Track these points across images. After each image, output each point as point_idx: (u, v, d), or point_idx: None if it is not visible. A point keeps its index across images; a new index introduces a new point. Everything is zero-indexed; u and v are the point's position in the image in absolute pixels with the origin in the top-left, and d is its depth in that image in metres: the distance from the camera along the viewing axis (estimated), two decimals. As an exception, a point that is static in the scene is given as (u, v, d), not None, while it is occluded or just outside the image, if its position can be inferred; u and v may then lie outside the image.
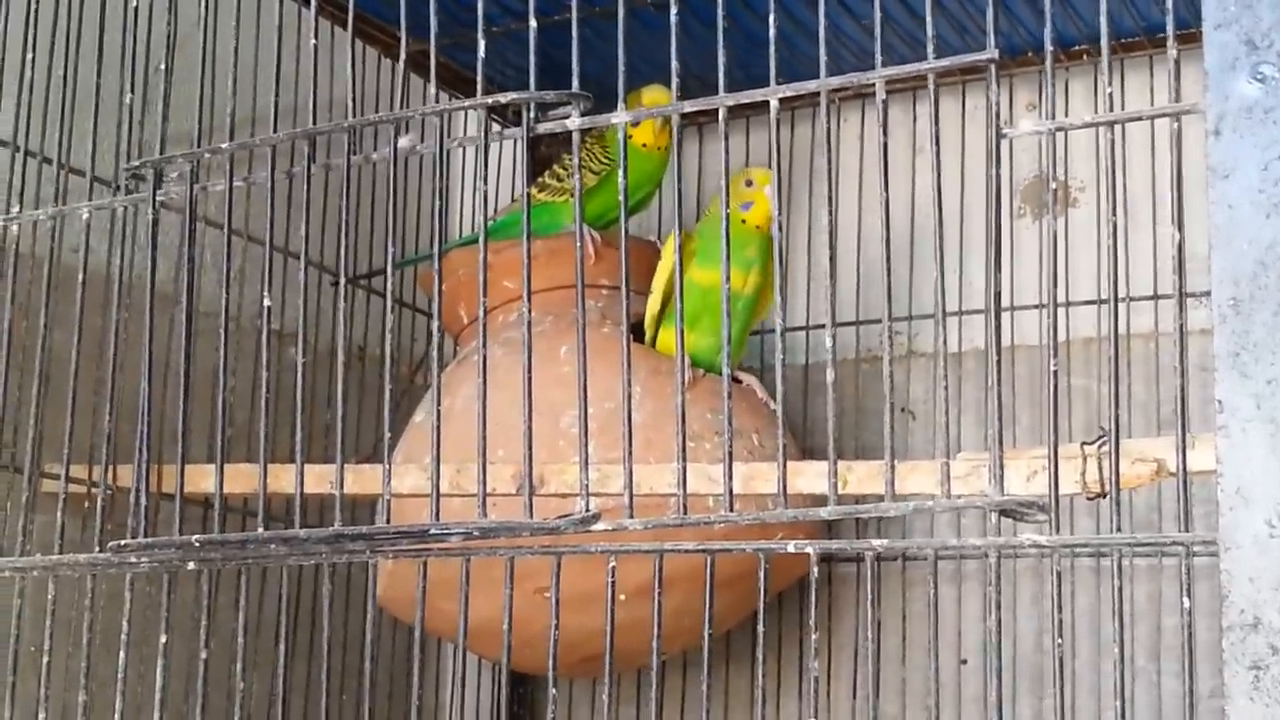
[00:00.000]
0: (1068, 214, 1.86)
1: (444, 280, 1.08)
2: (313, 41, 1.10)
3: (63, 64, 1.29)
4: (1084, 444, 1.16)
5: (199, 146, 1.13)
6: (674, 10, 1.00)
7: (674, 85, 1.00)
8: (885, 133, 0.93)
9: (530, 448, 0.99)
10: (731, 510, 0.96)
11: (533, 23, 1.03)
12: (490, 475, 1.03)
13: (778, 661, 1.83)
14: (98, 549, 1.13)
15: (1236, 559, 0.78)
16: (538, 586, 1.27)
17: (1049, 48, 0.93)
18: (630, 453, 0.99)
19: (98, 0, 1.24)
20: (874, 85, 0.94)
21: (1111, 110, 0.92)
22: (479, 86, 1.04)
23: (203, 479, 1.26)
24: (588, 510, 0.97)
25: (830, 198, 0.96)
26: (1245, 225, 0.81)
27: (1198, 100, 0.84)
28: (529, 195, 1.06)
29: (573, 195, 1.11)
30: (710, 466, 1.29)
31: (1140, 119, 0.96)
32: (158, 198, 1.14)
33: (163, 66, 1.17)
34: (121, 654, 1.10)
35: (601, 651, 1.00)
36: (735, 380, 1.64)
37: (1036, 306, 1.79)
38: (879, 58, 0.94)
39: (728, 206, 0.99)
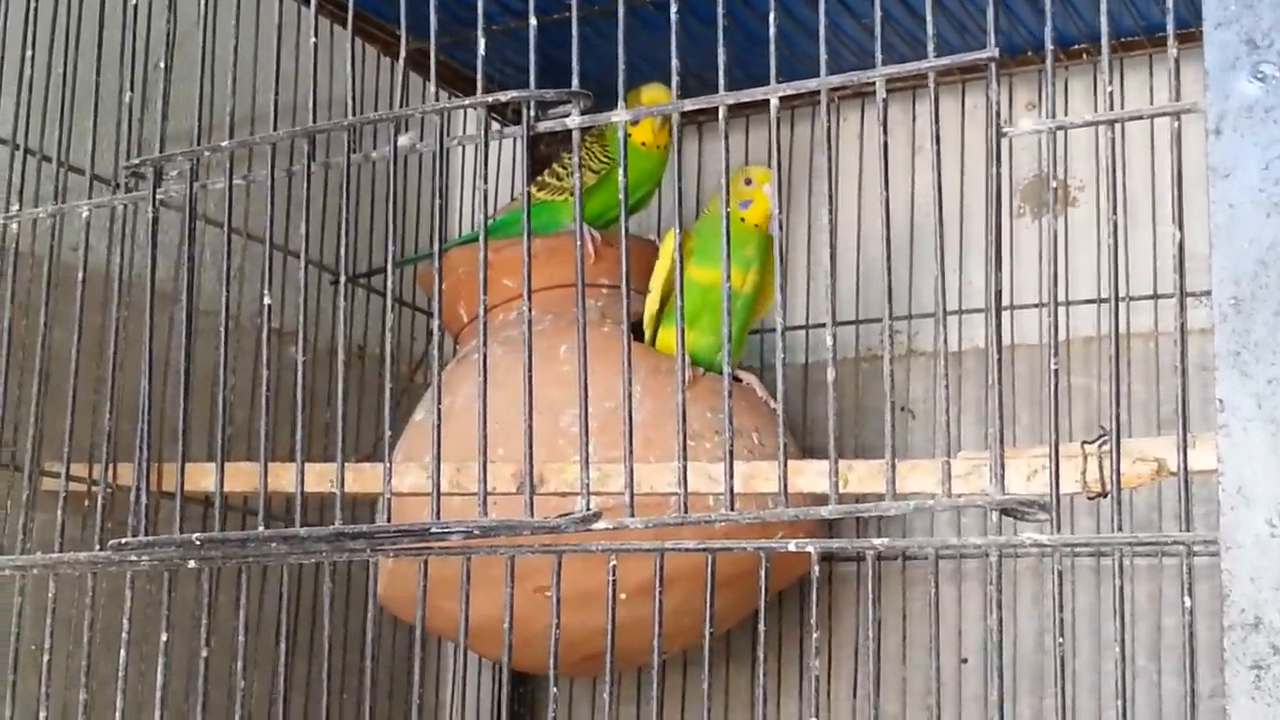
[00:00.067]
0: (1067, 213, 1.86)
1: (444, 279, 1.08)
2: (312, 40, 1.10)
3: (62, 62, 1.29)
4: (1084, 443, 1.16)
5: (199, 145, 1.13)
6: (674, 9, 1.00)
7: (674, 84, 1.00)
8: (885, 131, 0.93)
9: (531, 446, 0.99)
10: (732, 509, 0.96)
11: (533, 21, 1.03)
12: (491, 474, 1.03)
13: (778, 660, 1.83)
14: (98, 547, 1.13)
15: (1238, 558, 0.78)
16: (538, 585, 1.27)
17: (1049, 47, 0.93)
18: (631, 451, 0.99)
19: (97, -2, 1.24)
20: (874, 84, 0.94)
21: (1111, 109, 0.92)
22: (479, 85, 1.04)
23: (203, 477, 1.26)
24: (588, 509, 0.97)
25: (830, 196, 0.96)
26: (1246, 224, 0.80)
27: (1198, 99, 0.84)
28: (529, 194, 1.06)
29: (572, 194, 1.11)
30: (711, 465, 1.29)
31: (1140, 118, 0.96)
32: (157, 196, 1.14)
33: (162, 64, 1.17)
34: (122, 652, 1.10)
35: (602, 650, 1.00)
36: (735, 379, 1.64)
37: (1036, 305, 1.79)
38: (879, 56, 0.94)
39: (728, 205, 0.99)
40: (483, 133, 1.05)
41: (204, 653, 1.07)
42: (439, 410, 1.04)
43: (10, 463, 1.38)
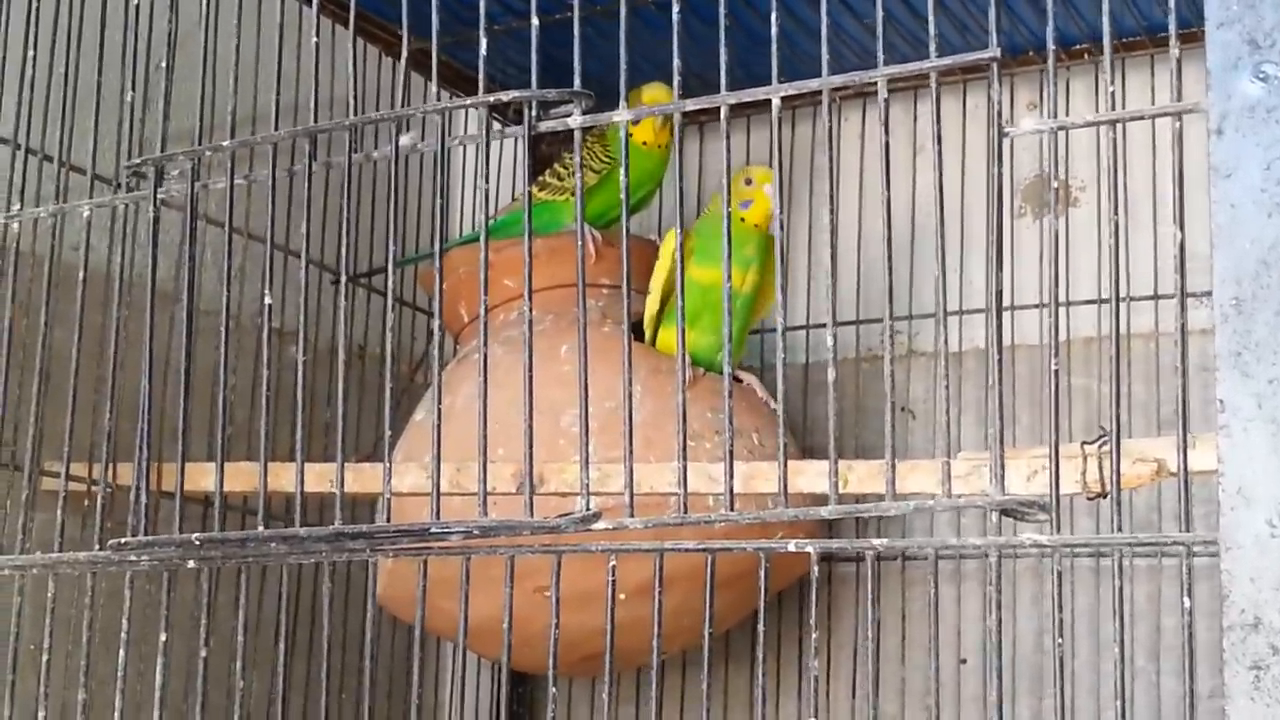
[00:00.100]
0: (1069, 213, 1.86)
1: (444, 279, 1.08)
2: (314, 39, 1.10)
3: (64, 62, 1.29)
4: (1084, 444, 1.16)
5: (200, 144, 1.12)
6: (676, 9, 1.00)
7: (675, 84, 1.00)
8: (887, 131, 0.93)
9: (531, 446, 0.99)
10: (732, 509, 0.96)
11: (534, 21, 1.03)
12: (490, 474, 1.03)
13: (777, 661, 1.83)
14: (97, 547, 1.13)
15: (1237, 559, 0.78)
16: (538, 585, 1.27)
17: (1051, 47, 0.93)
18: (631, 451, 0.99)
19: (99, -2, 1.24)
20: (875, 84, 0.94)
21: (1113, 109, 0.92)
22: (480, 85, 1.04)
23: (203, 477, 1.26)
24: (588, 509, 0.97)
25: (831, 196, 0.96)
26: (1247, 224, 0.80)
27: (1199, 99, 0.84)
28: (530, 194, 1.06)
29: (573, 194, 1.11)
30: (711, 465, 1.29)
31: (1142, 118, 0.96)
32: (158, 196, 1.14)
33: (164, 64, 1.17)
34: (121, 652, 1.09)
35: (601, 650, 1.00)
36: (735, 379, 1.64)
37: (1037, 306, 1.78)
38: (881, 56, 0.94)
39: (729, 205, 0.99)
40: (484, 132, 1.05)
41: (203, 653, 1.07)
42: (439, 410, 1.04)
43: (10, 462, 1.38)
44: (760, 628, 0.96)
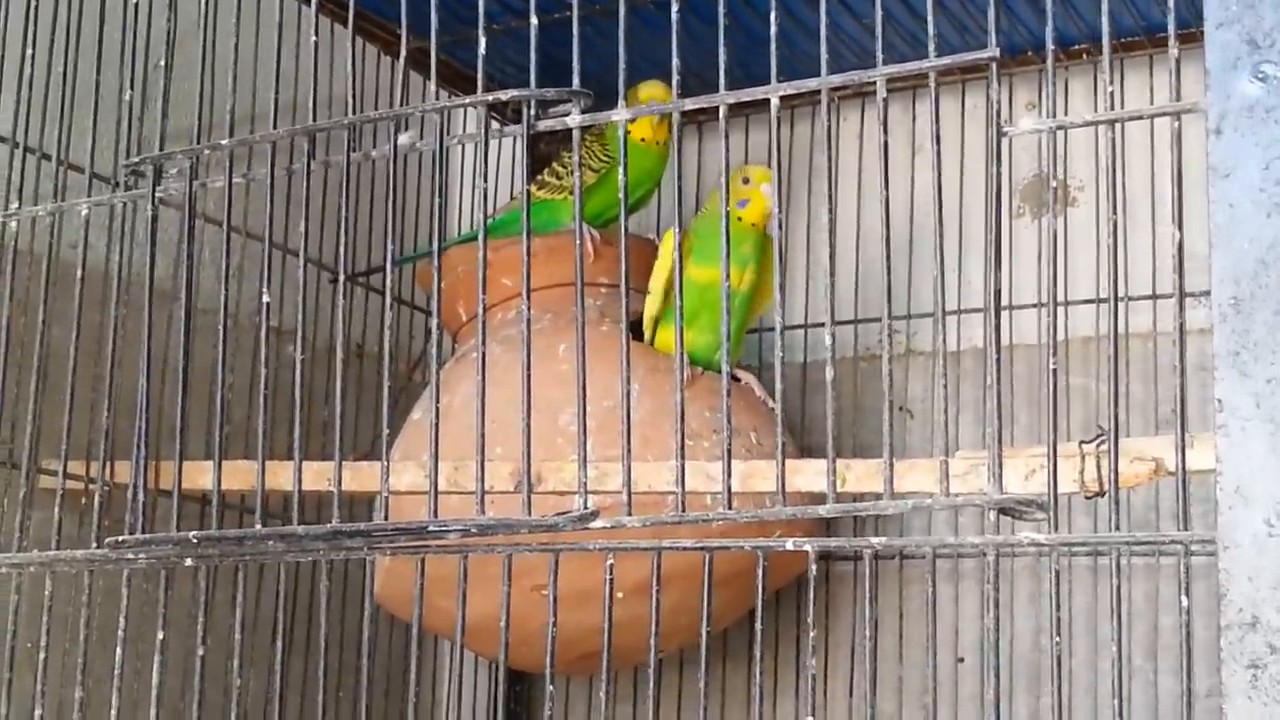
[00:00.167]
0: (1067, 213, 1.86)
1: (443, 278, 1.08)
2: (313, 38, 1.10)
3: (62, 60, 1.29)
4: (1082, 443, 1.16)
5: (198, 143, 1.12)
6: (675, 8, 1.00)
7: (674, 83, 1.00)
8: (885, 131, 0.93)
9: (529, 445, 0.99)
10: (730, 508, 0.96)
11: (533, 20, 1.03)
12: (488, 473, 1.03)
13: (775, 659, 1.83)
14: (95, 545, 1.13)
15: (1235, 558, 0.78)
16: (535, 584, 1.27)
17: (1050, 46, 0.93)
18: (629, 450, 0.99)
19: (97, -4, 1.24)
20: (874, 84, 0.94)
21: (1112, 109, 0.92)
22: (479, 84, 1.04)
23: (201, 475, 1.26)
24: (586, 508, 0.97)
25: (830, 196, 0.96)
26: (1246, 224, 0.81)
27: (1198, 99, 0.84)
28: (528, 193, 1.06)
29: (572, 193, 1.11)
30: (709, 464, 1.29)
31: (1141, 118, 0.96)
32: (157, 194, 1.14)
33: (162, 63, 1.17)
34: (118, 650, 1.09)
35: (599, 649, 1.00)
36: (734, 378, 1.64)
37: (1035, 305, 1.79)
38: (880, 56, 0.94)
39: (728, 204, 0.99)
40: (483, 131, 1.05)
41: (200, 651, 1.07)
42: (437, 409, 1.04)
43: (8, 460, 1.38)
44: (758, 626, 0.96)
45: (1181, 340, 0.87)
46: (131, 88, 1.21)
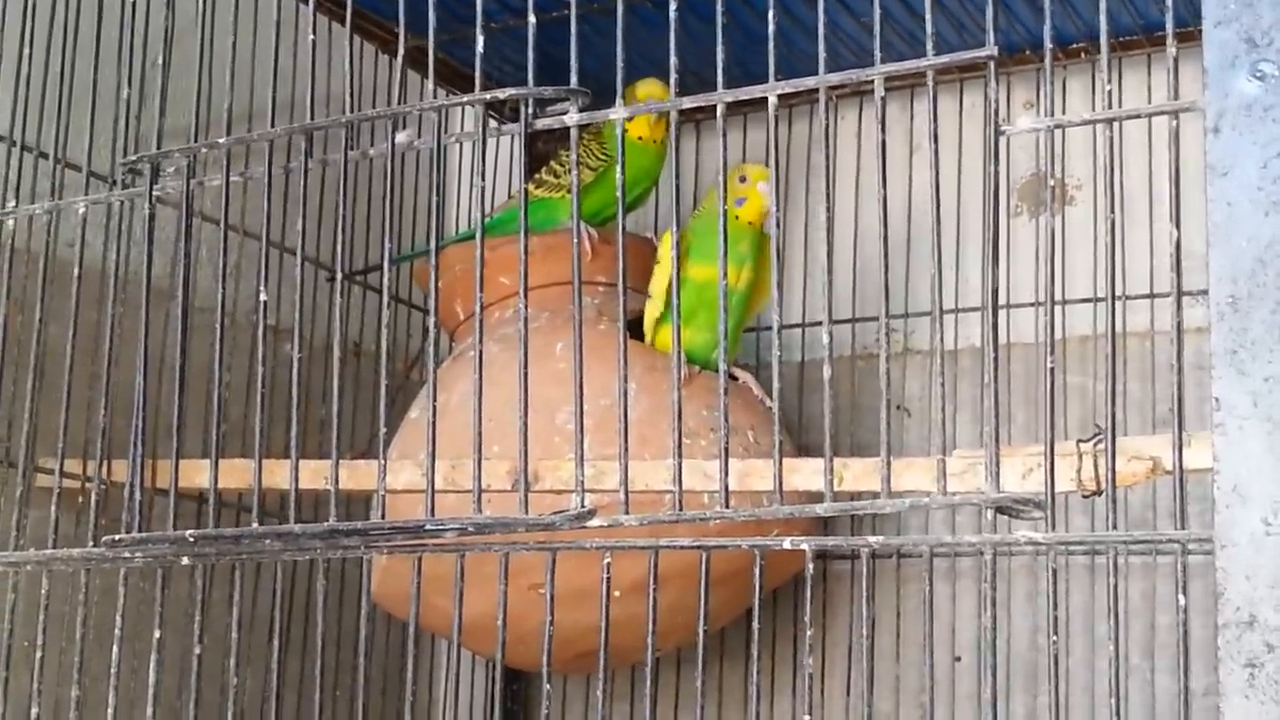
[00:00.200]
0: (1064, 212, 1.86)
1: (440, 276, 1.08)
2: (310, 37, 1.10)
3: (60, 58, 1.29)
4: (1080, 441, 1.16)
5: (196, 141, 1.12)
6: (673, 6, 1.00)
7: (672, 82, 1.00)
8: (883, 130, 0.93)
9: (526, 444, 0.99)
10: (727, 507, 0.96)
11: (531, 19, 1.03)
12: (485, 471, 1.03)
13: (772, 658, 1.83)
14: (92, 544, 1.13)
15: (1233, 556, 0.78)
16: (532, 583, 1.27)
17: (1048, 45, 0.93)
18: (626, 449, 0.99)
19: (95, -6, 1.24)
20: (872, 82, 0.94)
21: (1110, 108, 0.92)
22: (477, 82, 1.04)
23: (197, 474, 1.25)
24: (583, 506, 0.97)
25: (828, 195, 0.96)
26: (1244, 223, 0.81)
27: (1196, 98, 0.84)
28: (526, 191, 1.06)
29: (570, 191, 1.11)
30: (706, 463, 1.29)
31: (1139, 116, 0.96)
32: (154, 192, 1.14)
33: (160, 61, 1.17)
34: (115, 649, 1.09)
35: (596, 648, 1.00)
36: (731, 377, 1.64)
37: (1033, 304, 1.78)
38: (878, 55, 0.94)
39: (725, 203, 0.99)
40: (481, 130, 1.05)
41: (197, 650, 1.07)
42: (434, 407, 1.04)
43: (4, 459, 1.38)
44: (755, 625, 0.96)
45: (1179, 339, 0.87)
46: (129, 86, 1.21)
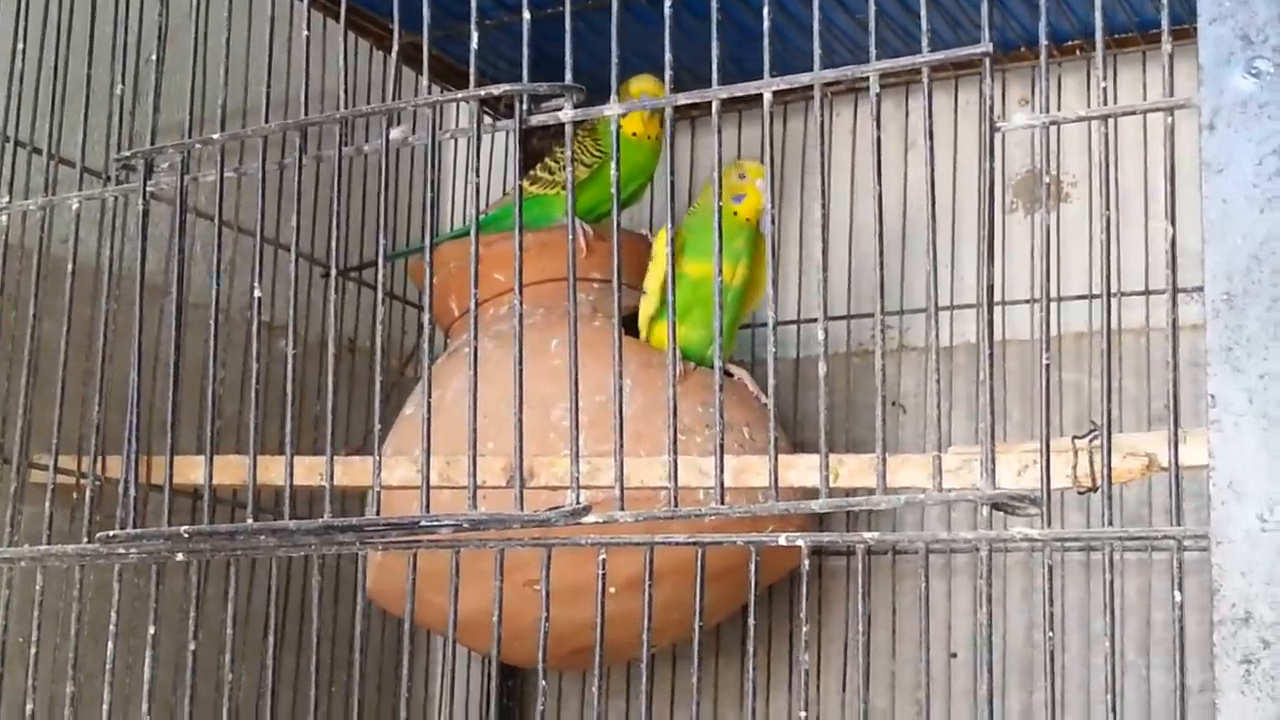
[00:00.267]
0: (1060, 209, 1.86)
1: (435, 273, 1.08)
2: (305, 33, 1.10)
3: (54, 54, 1.29)
4: (1075, 438, 1.16)
5: (190, 137, 1.12)
6: (668, 2, 1.00)
7: (667, 78, 0.99)
8: (878, 126, 0.93)
9: (521, 440, 0.99)
10: (722, 503, 0.96)
11: (526, 15, 1.03)
12: (480, 468, 1.03)
13: (767, 655, 1.83)
14: (86, 540, 1.13)
15: (1228, 553, 0.78)
16: (527, 579, 1.27)
17: (1043, 42, 0.93)
18: (621, 445, 0.99)
19: (88, -10, 1.24)
20: (867, 79, 0.94)
21: (1105, 105, 0.92)
22: (471, 79, 1.04)
23: (192, 470, 1.25)
24: (578, 502, 0.97)
25: (823, 191, 0.96)
26: (1239, 219, 0.80)
27: (1191, 95, 0.84)
28: (521, 188, 1.05)
29: (564, 188, 1.10)
30: (701, 459, 1.29)
31: (1135, 113, 0.96)
32: (148, 188, 1.14)
33: (154, 57, 1.16)
34: (110, 645, 1.09)
35: (591, 644, 1.00)
36: (726, 373, 1.64)
37: (1028, 301, 1.78)
38: (873, 51, 0.94)
39: (720, 199, 0.99)
40: (475, 126, 1.05)
41: (192, 646, 1.07)
42: (429, 404, 1.03)
43: (-1, 455, 1.38)
44: (750, 622, 0.96)
45: (1174, 336, 0.87)
46: (123, 82, 1.21)
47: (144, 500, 1.13)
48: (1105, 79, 0.94)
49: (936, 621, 1.78)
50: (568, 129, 1.02)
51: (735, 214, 1.63)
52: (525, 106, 1.02)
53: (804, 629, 0.96)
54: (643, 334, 1.66)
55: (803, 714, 0.93)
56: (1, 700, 1.18)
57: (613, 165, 1.02)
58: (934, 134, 0.93)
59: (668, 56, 0.99)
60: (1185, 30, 0.96)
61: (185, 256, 1.12)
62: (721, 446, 0.97)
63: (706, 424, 1.55)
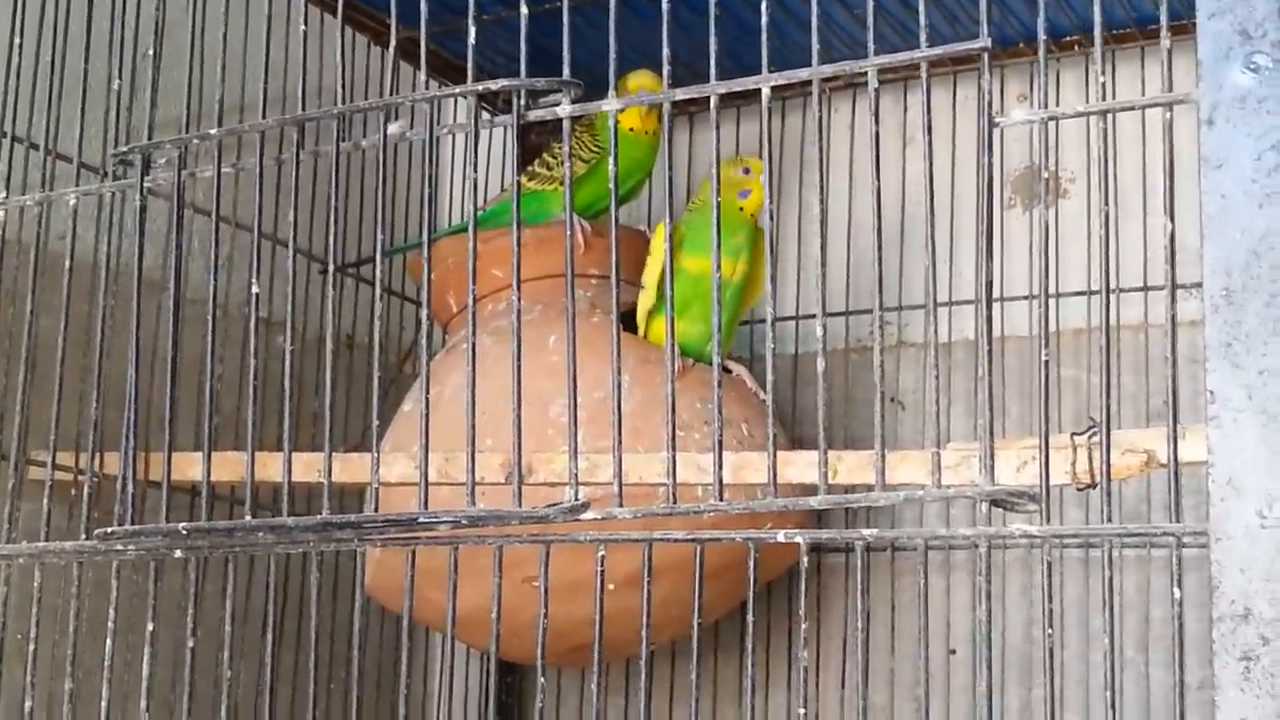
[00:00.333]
0: (1058, 205, 1.86)
1: (433, 269, 1.08)
2: (302, 28, 1.10)
3: (51, 49, 1.28)
4: (1074, 434, 1.16)
5: (187, 133, 1.12)
6: (665, -2, 1.00)
7: (665, 73, 0.99)
8: (877, 121, 0.93)
9: (519, 436, 0.99)
10: (721, 500, 0.96)
11: (524, 10, 1.02)
12: (479, 464, 1.03)
13: (766, 651, 1.83)
14: (84, 537, 1.13)
15: (1227, 550, 0.78)
16: (526, 575, 1.27)
17: (1042, 37, 0.93)
18: (619, 441, 0.98)
19: (86, -14, 1.24)
20: (865, 74, 0.94)
21: (1104, 100, 0.92)
22: (469, 74, 1.04)
23: (190, 467, 1.25)
24: (576, 499, 0.97)
25: (821, 187, 0.95)
26: (1238, 215, 0.80)
27: (1190, 90, 0.84)
28: (519, 183, 1.05)
29: (562, 183, 1.10)
30: (700, 456, 1.29)
31: (1133, 108, 0.96)
32: (145, 184, 1.13)
33: (151, 52, 1.16)
34: (108, 642, 1.09)
35: (590, 641, 1.00)
36: (725, 370, 1.64)
37: (1027, 297, 1.78)
38: (871, 46, 0.94)
39: (718, 195, 0.99)
40: (473, 122, 1.04)
41: (190, 643, 1.07)
42: (427, 400, 1.03)
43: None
44: (749, 618, 0.96)
45: (1173, 332, 0.87)
46: (120, 77, 1.21)
47: (142, 497, 1.13)
48: (1104, 74, 0.94)
49: (935, 618, 1.78)
50: (565, 124, 1.02)
51: (741, 209, 1.63)
52: (523, 102, 1.02)
53: (803, 626, 0.96)
54: (641, 330, 1.66)
55: (802, 711, 0.93)
56: (1, 697, 1.18)
57: (611, 161, 1.01)
58: (932, 129, 0.93)
59: (665, 52, 0.99)
60: (1184, 25, 0.96)
61: (183, 252, 1.11)
62: (720, 443, 0.96)
63: (705, 420, 1.55)
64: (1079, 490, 1.17)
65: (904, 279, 1.83)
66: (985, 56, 0.91)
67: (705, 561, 0.97)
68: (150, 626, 1.08)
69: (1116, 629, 1.07)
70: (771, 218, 1.00)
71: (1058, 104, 1.81)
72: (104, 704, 1.08)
